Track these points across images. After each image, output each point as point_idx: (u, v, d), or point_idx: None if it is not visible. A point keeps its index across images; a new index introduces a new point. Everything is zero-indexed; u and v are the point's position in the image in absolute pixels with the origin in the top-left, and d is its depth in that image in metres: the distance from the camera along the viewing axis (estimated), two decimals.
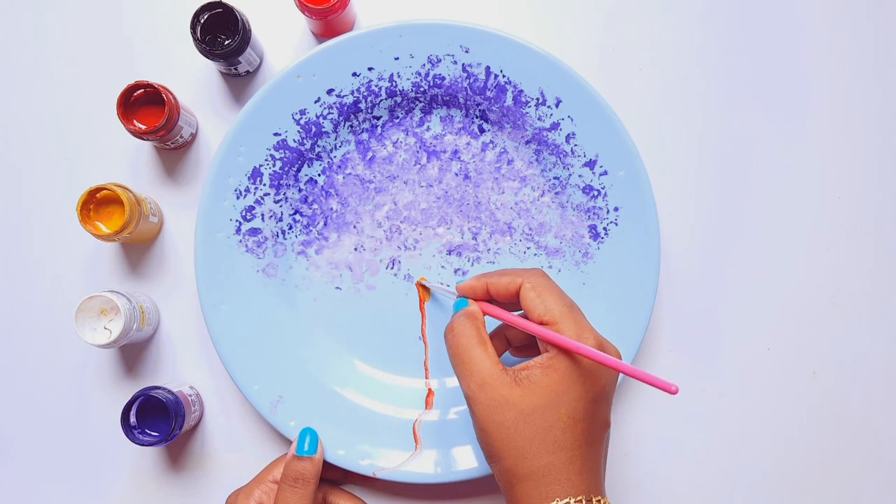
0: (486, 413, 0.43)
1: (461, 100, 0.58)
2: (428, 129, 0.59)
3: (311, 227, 0.58)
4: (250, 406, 0.59)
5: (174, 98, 0.55)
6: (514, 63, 0.56)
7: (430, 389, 0.59)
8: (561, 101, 0.56)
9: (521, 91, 0.57)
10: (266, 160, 0.57)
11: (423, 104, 0.58)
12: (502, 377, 0.44)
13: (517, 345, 0.51)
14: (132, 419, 0.54)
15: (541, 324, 0.45)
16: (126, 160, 0.60)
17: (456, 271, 0.59)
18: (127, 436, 0.54)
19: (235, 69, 0.58)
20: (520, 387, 0.43)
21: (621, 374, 0.50)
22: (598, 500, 0.43)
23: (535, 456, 0.43)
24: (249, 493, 0.54)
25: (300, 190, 0.58)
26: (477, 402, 0.44)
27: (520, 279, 0.46)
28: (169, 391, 0.55)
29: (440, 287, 0.56)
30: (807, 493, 0.61)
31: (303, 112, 0.56)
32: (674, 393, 0.39)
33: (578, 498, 0.42)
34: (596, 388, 0.44)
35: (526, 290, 0.46)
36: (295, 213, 0.58)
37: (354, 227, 0.59)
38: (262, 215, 0.57)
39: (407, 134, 0.59)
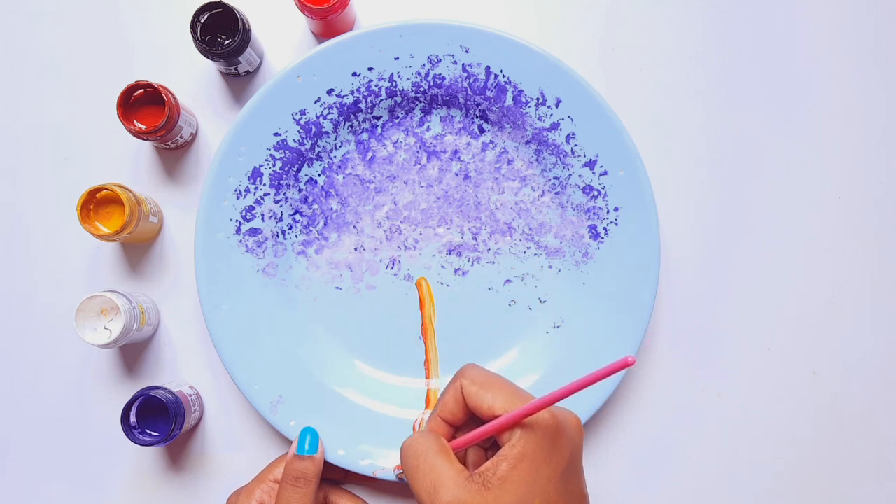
0: None
1: (461, 100, 0.58)
2: (428, 129, 0.59)
3: (311, 227, 0.58)
4: (250, 406, 0.59)
5: (174, 98, 0.55)
6: (514, 63, 0.56)
7: (429, 389, 0.59)
8: (561, 101, 0.56)
9: (521, 91, 0.57)
10: (266, 160, 0.57)
11: (423, 104, 0.58)
12: (472, 487, 0.39)
13: (474, 461, 0.46)
14: (132, 419, 0.54)
15: (492, 417, 0.41)
16: (126, 160, 0.60)
17: (456, 271, 0.59)
18: (127, 436, 0.54)
19: (235, 69, 0.58)
20: (490, 491, 0.39)
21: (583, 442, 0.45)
22: None
23: None
24: (251, 492, 0.54)
25: (300, 190, 0.58)
26: None
27: (457, 382, 0.43)
28: (169, 391, 0.55)
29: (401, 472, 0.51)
30: (807, 492, 0.61)
31: (303, 112, 0.56)
32: (631, 364, 0.36)
33: None
34: (564, 461, 0.41)
35: (466, 387, 0.42)
36: (295, 213, 0.58)
37: (354, 227, 0.59)
38: (262, 215, 0.57)
39: (407, 134, 0.59)
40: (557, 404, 0.41)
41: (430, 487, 0.40)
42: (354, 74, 0.56)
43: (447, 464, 0.41)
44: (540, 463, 0.40)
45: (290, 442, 0.59)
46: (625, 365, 0.36)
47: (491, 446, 0.45)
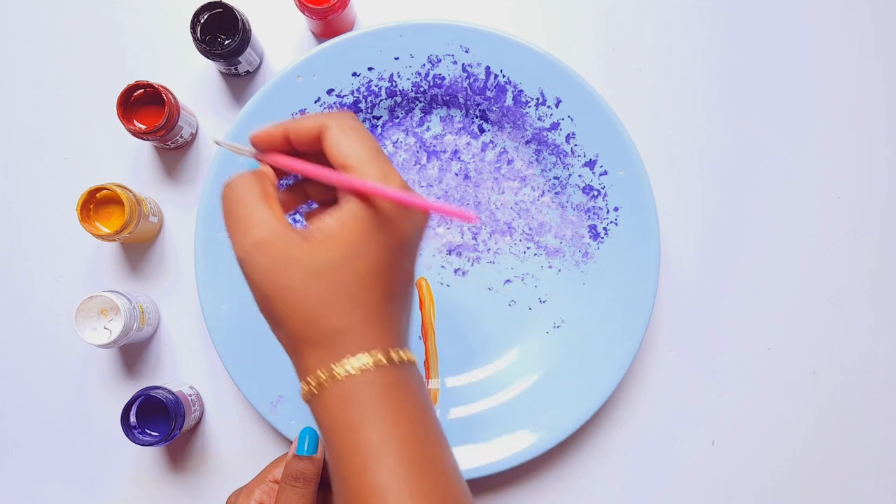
0: (265, 276, 0.37)
1: (461, 100, 0.58)
2: (428, 129, 0.59)
3: None
4: (250, 406, 0.59)
5: (174, 98, 0.55)
6: (514, 63, 0.56)
7: (430, 389, 0.59)
8: (561, 101, 0.56)
9: (521, 91, 0.57)
10: None
11: (423, 104, 0.58)
12: (286, 234, 0.37)
13: (318, 200, 0.44)
14: (132, 419, 0.54)
15: (342, 169, 0.38)
16: (126, 160, 0.60)
17: (456, 271, 0.59)
18: (127, 436, 0.54)
19: (235, 69, 0.58)
20: (309, 242, 0.37)
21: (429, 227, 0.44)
22: (398, 353, 0.38)
23: (327, 317, 0.37)
24: (250, 492, 0.54)
25: None
26: (253, 265, 0.37)
27: (324, 120, 0.39)
28: (169, 391, 0.55)
29: (234, 147, 0.43)
30: (807, 492, 0.61)
31: (303, 112, 0.56)
32: (474, 220, 0.36)
33: (374, 353, 0.37)
34: (399, 237, 0.38)
35: (332, 133, 0.38)
36: (295, 213, 0.58)
37: None
38: None
39: (407, 134, 0.59)
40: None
41: (241, 231, 0.38)
42: (354, 74, 0.56)
43: (264, 211, 0.38)
44: (374, 231, 0.38)
45: (289, 442, 0.59)
46: (468, 218, 0.36)
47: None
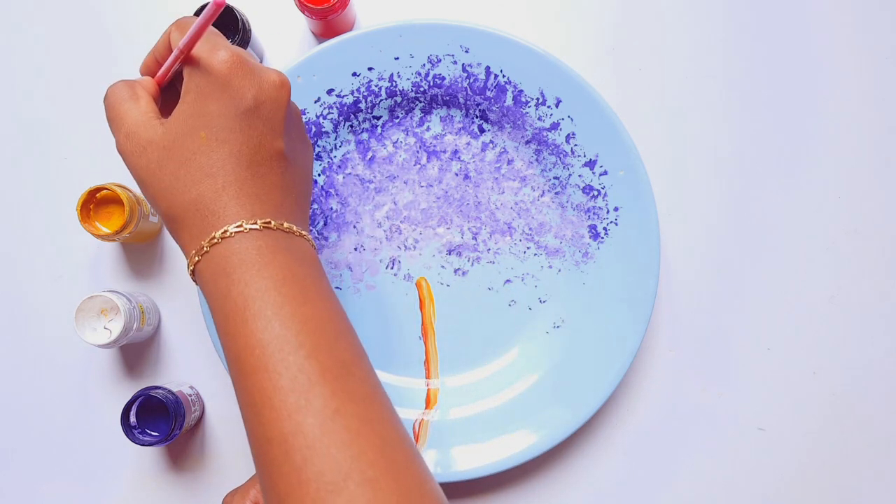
0: (135, 162, 0.40)
1: (461, 100, 0.58)
2: (428, 129, 0.59)
3: (311, 227, 0.58)
4: None
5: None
6: (514, 63, 0.56)
7: (429, 389, 0.59)
8: (561, 101, 0.56)
9: (521, 91, 0.57)
10: None
11: (423, 104, 0.58)
12: (150, 122, 0.40)
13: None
14: (132, 419, 0.54)
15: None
16: None
17: (456, 271, 0.59)
18: (127, 436, 0.54)
19: None
20: (163, 125, 0.40)
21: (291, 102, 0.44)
22: (281, 224, 0.40)
23: (182, 191, 0.39)
24: (245, 492, 0.54)
25: None
26: (126, 153, 0.41)
27: (169, 27, 0.42)
28: (169, 391, 0.55)
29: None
30: (807, 492, 0.61)
31: (303, 112, 0.56)
32: (220, 6, 0.37)
33: (238, 224, 0.39)
34: (237, 102, 0.40)
35: (172, 32, 0.41)
36: None
37: (354, 226, 0.59)
38: None
39: (407, 134, 0.59)
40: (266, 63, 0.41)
41: (115, 128, 0.41)
42: (354, 74, 0.56)
43: (135, 107, 0.41)
44: (207, 98, 0.39)
45: None
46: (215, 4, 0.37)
47: None
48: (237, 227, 0.38)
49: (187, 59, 0.40)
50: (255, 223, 0.39)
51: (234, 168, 0.40)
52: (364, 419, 0.36)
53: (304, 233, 0.41)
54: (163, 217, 0.41)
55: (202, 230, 0.39)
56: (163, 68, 0.42)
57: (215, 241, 0.39)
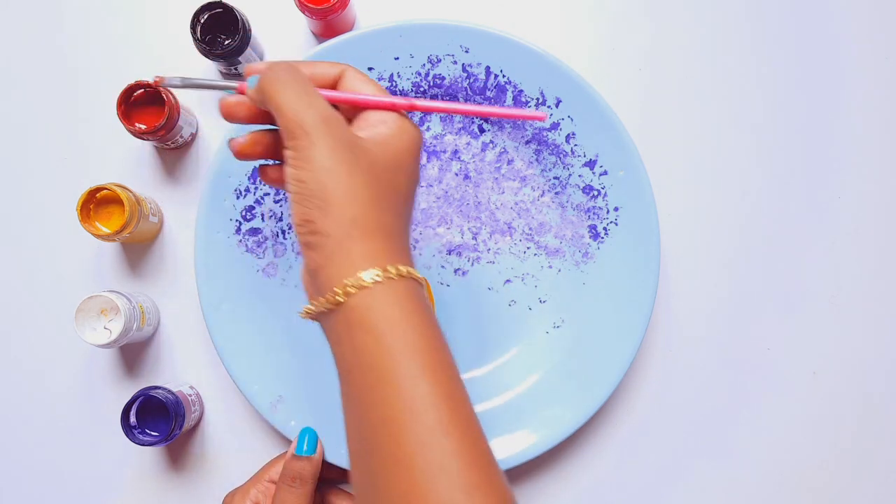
0: (331, 153, 0.37)
1: (461, 100, 0.58)
2: (428, 129, 0.59)
3: None
4: (250, 406, 0.59)
5: (174, 98, 0.55)
6: (514, 63, 0.56)
7: None
8: (561, 101, 0.56)
9: (521, 91, 0.57)
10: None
11: None
12: (342, 119, 0.39)
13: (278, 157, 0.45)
14: (132, 419, 0.54)
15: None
16: (126, 160, 0.60)
17: (456, 271, 0.59)
18: (127, 436, 0.54)
19: (235, 69, 0.58)
20: (364, 134, 0.40)
21: None
22: (409, 271, 0.38)
23: (385, 211, 0.38)
24: (246, 492, 0.54)
25: None
26: (319, 137, 0.37)
27: (342, 67, 0.42)
28: (169, 391, 0.55)
29: (206, 81, 0.44)
30: (807, 492, 0.61)
31: None
32: (542, 119, 0.37)
33: (388, 266, 0.37)
34: (417, 148, 0.41)
35: (350, 74, 0.42)
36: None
37: None
38: (262, 215, 0.57)
39: None
40: None
41: (306, 102, 0.38)
42: None
43: (319, 96, 0.39)
44: (399, 139, 0.40)
45: (289, 442, 0.59)
46: (536, 117, 0.38)
47: None
48: (378, 274, 0.37)
49: (387, 105, 0.41)
50: (393, 271, 0.37)
51: (382, 211, 0.39)
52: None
53: (423, 277, 0.40)
54: (341, 223, 0.37)
55: (348, 268, 0.37)
56: (342, 96, 0.41)
57: (350, 290, 0.37)
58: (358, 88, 0.41)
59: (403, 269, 0.38)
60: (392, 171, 0.39)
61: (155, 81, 0.43)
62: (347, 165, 0.37)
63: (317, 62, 0.42)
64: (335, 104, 0.41)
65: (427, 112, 0.41)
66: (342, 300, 0.37)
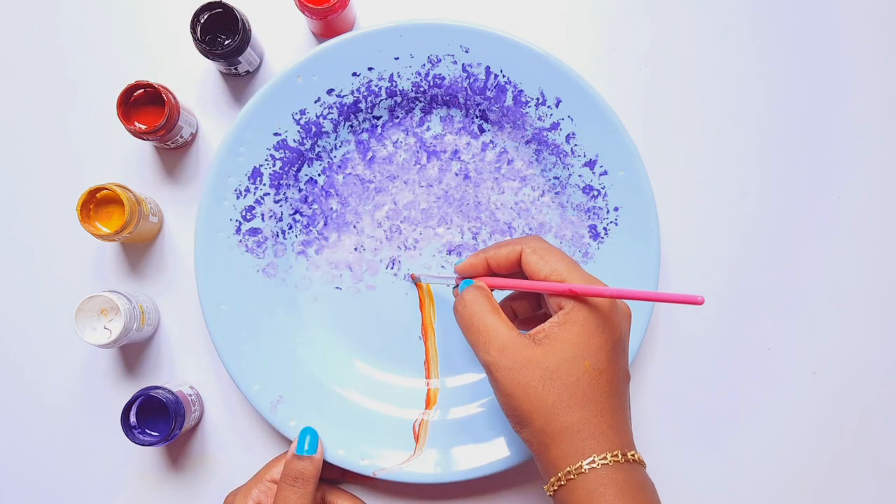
0: (509, 377, 0.43)
1: (461, 100, 0.58)
2: (428, 129, 0.59)
3: (311, 227, 0.59)
4: (250, 406, 0.59)
5: (174, 98, 0.56)
6: (514, 63, 0.56)
7: (429, 389, 0.59)
8: (561, 101, 0.56)
9: (521, 91, 0.57)
10: (266, 160, 0.57)
11: (423, 104, 0.58)
12: (521, 340, 0.43)
13: (523, 316, 0.51)
14: (132, 419, 0.54)
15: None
16: (126, 160, 0.60)
17: None
18: (127, 436, 0.54)
19: (235, 69, 0.58)
20: (540, 346, 0.43)
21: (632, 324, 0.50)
22: (633, 455, 0.43)
23: (566, 412, 0.42)
24: (247, 492, 0.54)
25: (300, 190, 0.58)
26: (499, 367, 0.43)
27: (519, 246, 0.46)
28: (169, 391, 0.55)
29: (437, 277, 0.56)
30: (807, 493, 0.61)
31: (303, 112, 0.56)
32: (700, 303, 0.39)
33: (615, 453, 0.42)
34: (614, 336, 0.44)
35: (528, 255, 0.46)
36: (295, 213, 0.58)
37: (354, 226, 0.59)
38: (262, 215, 0.57)
39: (407, 134, 0.59)
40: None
41: (483, 340, 0.44)
42: (354, 74, 0.56)
43: (499, 321, 0.45)
44: (592, 332, 0.43)
45: (289, 442, 0.59)
46: (693, 301, 0.39)
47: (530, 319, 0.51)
48: (602, 458, 0.42)
49: (569, 293, 0.44)
50: (618, 456, 0.42)
51: (609, 397, 0.43)
52: None
53: (643, 460, 0.44)
54: (536, 433, 0.43)
55: (577, 451, 0.42)
56: (511, 283, 0.47)
57: (582, 470, 0.42)
58: (536, 262, 0.45)
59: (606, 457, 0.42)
60: (568, 365, 0.43)
61: (412, 275, 0.57)
62: (521, 388, 0.43)
63: (497, 247, 0.47)
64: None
65: (584, 295, 0.44)
66: (574, 477, 0.42)
